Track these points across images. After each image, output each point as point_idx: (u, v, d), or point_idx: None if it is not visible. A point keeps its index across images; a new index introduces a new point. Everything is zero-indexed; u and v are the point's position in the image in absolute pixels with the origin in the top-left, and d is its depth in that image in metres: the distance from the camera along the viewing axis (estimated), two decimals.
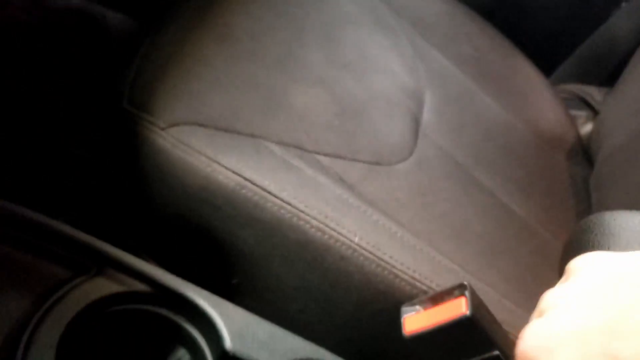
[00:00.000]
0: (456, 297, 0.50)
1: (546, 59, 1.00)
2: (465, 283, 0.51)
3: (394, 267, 0.52)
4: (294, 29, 0.67)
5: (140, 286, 0.45)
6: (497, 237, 0.70)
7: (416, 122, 0.72)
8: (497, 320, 0.52)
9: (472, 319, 0.49)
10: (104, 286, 0.44)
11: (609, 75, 0.97)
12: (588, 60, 1.03)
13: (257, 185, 0.50)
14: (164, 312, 0.46)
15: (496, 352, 0.49)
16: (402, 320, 0.52)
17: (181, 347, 0.47)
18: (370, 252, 0.52)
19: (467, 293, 0.50)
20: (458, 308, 0.49)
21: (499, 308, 0.59)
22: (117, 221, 0.62)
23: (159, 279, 0.45)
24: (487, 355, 0.49)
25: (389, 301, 0.52)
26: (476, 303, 0.50)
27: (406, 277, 0.53)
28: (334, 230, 0.51)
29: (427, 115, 0.76)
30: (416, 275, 0.53)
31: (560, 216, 0.82)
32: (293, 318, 0.53)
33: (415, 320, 0.51)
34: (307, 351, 0.48)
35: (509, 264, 0.68)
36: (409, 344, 0.51)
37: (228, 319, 0.46)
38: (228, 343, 0.45)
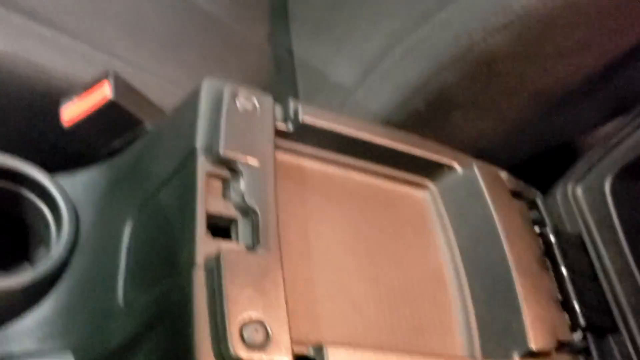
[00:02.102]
0: (102, 84, 0.56)
1: None
2: (110, 71, 0.57)
3: (44, 67, 0.57)
4: None
5: None
6: (180, 32, 0.76)
7: None
8: (148, 100, 0.59)
9: (116, 102, 0.55)
10: None
11: None
12: None
13: None
14: None
15: (147, 126, 0.57)
16: (60, 112, 0.57)
17: None
18: (22, 58, 0.55)
19: (110, 79, 0.56)
20: (104, 93, 0.55)
21: (158, 88, 0.66)
22: None
23: None
24: (138, 129, 0.57)
25: (52, 100, 0.57)
26: (121, 88, 0.57)
27: (59, 74, 0.58)
28: None
29: None
30: (69, 71, 0.58)
31: (252, 8, 0.89)
32: None
33: (72, 111, 0.56)
34: None
35: (192, 54, 0.76)
36: (71, 133, 0.57)
37: None
38: None
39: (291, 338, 0.39)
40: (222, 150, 0.45)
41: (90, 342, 0.48)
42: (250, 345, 0.38)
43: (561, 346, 0.52)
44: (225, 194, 0.46)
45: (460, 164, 0.58)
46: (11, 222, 0.58)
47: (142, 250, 0.48)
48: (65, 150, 0.58)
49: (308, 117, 0.52)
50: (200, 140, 0.46)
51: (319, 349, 0.40)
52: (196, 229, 0.42)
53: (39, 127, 0.58)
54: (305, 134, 0.53)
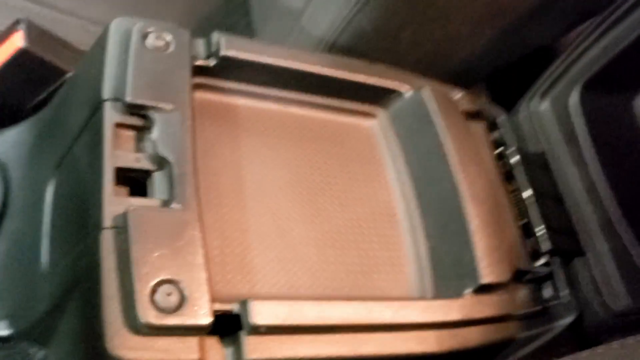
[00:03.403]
0: (15, 33, 0.52)
1: None
2: (23, 18, 0.52)
3: None
4: None
5: None
6: None
7: None
8: (71, 46, 0.55)
9: (28, 50, 0.51)
10: None
11: None
12: None
13: None
14: None
15: (69, 74, 0.53)
16: None
17: None
18: None
19: (22, 27, 0.52)
20: (15, 43, 0.51)
21: (84, 32, 0.62)
22: None
23: None
24: (61, 80, 0.53)
25: None
26: (35, 35, 0.52)
27: None
28: None
29: None
30: None
31: None
32: None
33: None
34: None
35: None
36: None
37: None
38: None
39: (212, 297, 0.37)
40: (130, 97, 0.41)
41: (22, 308, 0.46)
42: (162, 309, 0.35)
43: (521, 275, 0.49)
44: (139, 145, 0.42)
45: (408, 87, 0.53)
46: None
47: (61, 210, 0.45)
48: None
49: (232, 50, 0.47)
50: (107, 88, 0.42)
51: (243, 304, 0.38)
52: (103, 187, 0.39)
53: None
54: (234, 70, 0.48)
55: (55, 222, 0.45)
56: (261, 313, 0.37)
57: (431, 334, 0.43)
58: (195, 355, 0.36)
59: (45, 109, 0.53)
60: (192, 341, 0.36)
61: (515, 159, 0.55)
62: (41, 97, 0.54)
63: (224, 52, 0.47)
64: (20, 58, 0.51)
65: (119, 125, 0.42)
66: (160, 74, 0.43)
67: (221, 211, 0.44)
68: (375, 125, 0.55)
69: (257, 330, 0.37)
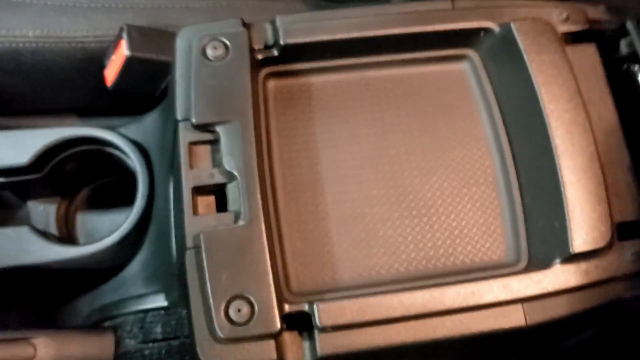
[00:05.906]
0: (121, 41, 0.57)
1: None
2: (124, 26, 0.57)
3: (75, 38, 0.58)
4: None
5: None
6: None
7: None
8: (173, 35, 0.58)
9: (133, 57, 0.56)
10: None
11: None
12: None
13: None
14: None
15: None
16: (104, 75, 0.60)
17: None
18: (50, 37, 0.58)
19: (124, 35, 0.57)
20: (122, 51, 0.56)
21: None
22: None
23: None
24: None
25: (94, 66, 0.60)
26: (136, 40, 0.57)
27: (91, 39, 0.59)
28: (8, 36, 0.57)
29: None
30: (98, 33, 0.59)
31: None
32: None
33: (110, 71, 0.59)
34: None
35: None
36: (114, 92, 0.59)
37: None
38: None
39: (280, 304, 0.41)
40: (195, 119, 0.45)
41: (172, 282, 0.55)
42: (235, 323, 0.40)
43: (632, 229, 0.44)
44: (215, 157, 0.46)
45: (496, 22, 0.48)
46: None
47: (174, 211, 0.51)
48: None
49: (291, 37, 0.47)
50: (179, 110, 0.46)
51: (311, 305, 0.41)
52: (184, 210, 0.44)
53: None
54: (301, 52, 0.48)
55: (175, 218, 0.52)
56: (327, 314, 0.41)
57: (512, 308, 0.42)
58: (273, 355, 0.41)
59: (165, 98, 0.59)
60: (269, 343, 0.41)
61: None
62: (163, 85, 0.60)
63: (283, 41, 0.47)
64: (130, 64, 0.56)
65: (193, 143, 0.46)
66: (221, 87, 0.45)
67: (298, 203, 0.47)
68: (466, 69, 0.50)
69: (326, 330, 0.41)
